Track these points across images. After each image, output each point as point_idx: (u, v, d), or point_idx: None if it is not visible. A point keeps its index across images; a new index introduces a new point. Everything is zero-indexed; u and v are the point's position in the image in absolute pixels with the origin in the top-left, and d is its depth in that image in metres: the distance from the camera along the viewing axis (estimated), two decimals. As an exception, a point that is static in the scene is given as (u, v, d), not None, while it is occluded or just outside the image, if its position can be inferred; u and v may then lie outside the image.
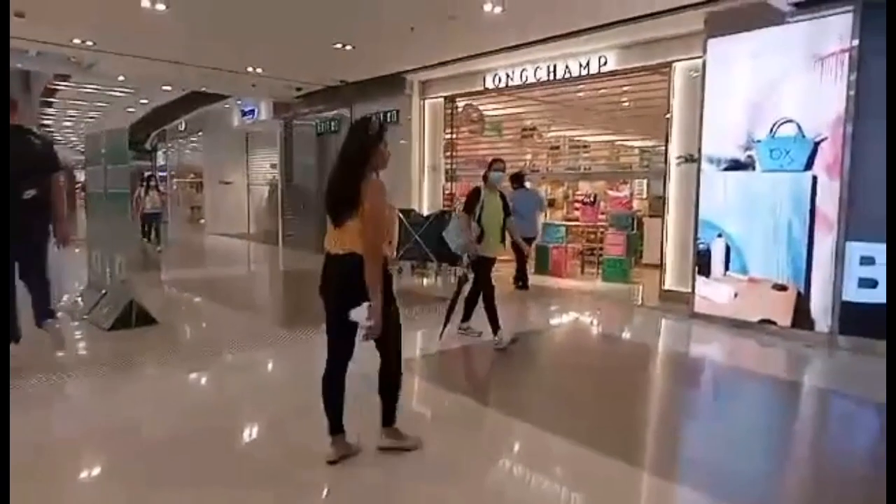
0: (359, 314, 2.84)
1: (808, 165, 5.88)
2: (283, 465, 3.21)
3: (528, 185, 9.10)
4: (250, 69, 10.68)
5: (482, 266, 5.41)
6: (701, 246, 6.73)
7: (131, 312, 5.78)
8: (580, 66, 8.62)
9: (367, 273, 2.84)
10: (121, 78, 12.14)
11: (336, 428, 3.14)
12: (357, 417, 3.24)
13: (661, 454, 3.64)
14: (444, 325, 5.59)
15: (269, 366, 5.25)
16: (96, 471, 3.24)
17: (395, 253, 9.25)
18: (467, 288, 5.63)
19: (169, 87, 14.13)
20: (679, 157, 7.55)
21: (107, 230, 6.42)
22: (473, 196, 5.44)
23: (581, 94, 9.44)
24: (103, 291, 6.27)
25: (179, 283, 9.66)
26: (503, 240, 5.59)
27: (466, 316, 5.72)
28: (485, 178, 5.57)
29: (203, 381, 4.78)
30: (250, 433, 3.75)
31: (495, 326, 5.40)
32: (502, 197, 5.62)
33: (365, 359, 3.15)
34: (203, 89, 13.78)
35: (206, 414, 3.93)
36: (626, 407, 4.29)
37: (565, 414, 4.12)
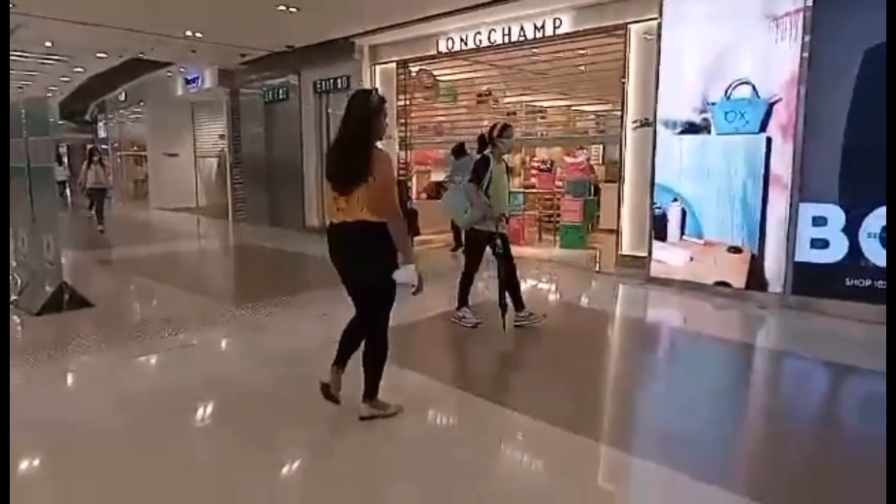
0: (403, 276, 3.04)
1: (763, 127, 5.84)
2: (226, 457, 3.01)
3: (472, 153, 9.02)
4: (189, 33, 10.06)
5: (477, 242, 4.98)
6: (657, 210, 6.69)
7: (62, 295, 5.41)
8: (535, 28, 8.39)
9: (395, 236, 3.04)
10: (48, 44, 11.30)
11: (339, 360, 3.34)
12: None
13: (622, 426, 3.57)
14: (503, 314, 4.95)
15: (213, 349, 4.96)
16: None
17: None
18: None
19: (104, 55, 13.27)
20: (635, 122, 7.46)
21: (31, 207, 5.94)
22: (482, 165, 4.92)
23: (536, 57, 9.23)
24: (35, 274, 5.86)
25: (121, 261, 9.21)
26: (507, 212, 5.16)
27: (519, 305, 5.16)
28: (482, 142, 5.04)
29: (136, 367, 4.45)
30: (193, 421, 3.52)
31: (463, 300, 5.16)
32: (507, 167, 5.19)
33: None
34: (141, 56, 12.99)
35: (137, 405, 3.65)
36: (585, 377, 4.22)
37: (522, 387, 4.02)
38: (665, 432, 3.34)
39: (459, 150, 8.95)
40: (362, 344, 3.30)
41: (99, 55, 13.19)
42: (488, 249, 5.06)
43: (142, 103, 18.27)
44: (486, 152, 5.00)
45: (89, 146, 14.48)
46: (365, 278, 3.16)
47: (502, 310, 4.92)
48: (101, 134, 23.50)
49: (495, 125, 5.10)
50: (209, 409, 3.68)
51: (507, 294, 5.01)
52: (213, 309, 5.96)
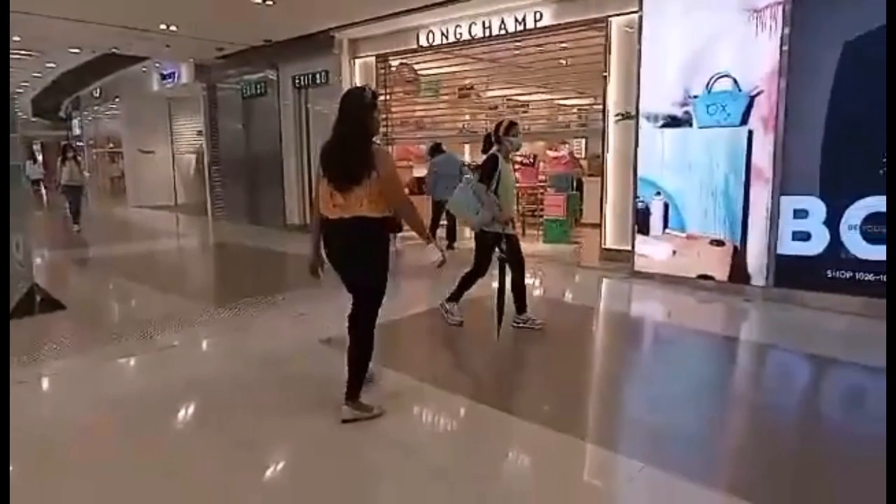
0: (429, 253, 3.33)
1: (744, 120, 5.85)
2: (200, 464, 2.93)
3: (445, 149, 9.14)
4: (163, 27, 9.84)
5: (485, 244, 4.81)
6: (640, 204, 6.68)
7: (34, 297, 5.25)
8: (516, 21, 8.35)
9: (410, 223, 3.25)
10: (16, 39, 10.98)
11: None
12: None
13: (608, 424, 3.54)
14: (499, 322, 4.68)
15: (194, 350, 4.82)
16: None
17: None
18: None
19: (77, 50, 12.96)
20: (617, 115, 7.44)
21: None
22: (491, 165, 4.72)
23: (518, 51, 9.18)
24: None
25: (98, 261, 9.01)
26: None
27: (520, 308, 5.00)
28: (489, 141, 4.89)
29: (113, 371, 4.31)
30: (175, 424, 3.43)
31: (457, 297, 5.03)
32: (513, 166, 5.05)
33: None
34: (115, 51, 12.71)
35: (112, 409, 3.54)
36: (571, 374, 4.19)
37: (508, 385, 3.98)
38: (651, 429, 3.31)
39: (435, 149, 8.94)
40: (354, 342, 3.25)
41: (71, 50, 12.88)
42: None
43: (117, 99, 17.93)
44: (492, 151, 4.82)
45: (63, 143, 14.13)
46: (360, 279, 3.20)
47: (498, 316, 4.66)
48: (76, 131, 23.03)
49: (501, 123, 4.92)
50: (191, 411, 3.59)
51: (504, 301, 4.74)
52: (192, 309, 5.80)
